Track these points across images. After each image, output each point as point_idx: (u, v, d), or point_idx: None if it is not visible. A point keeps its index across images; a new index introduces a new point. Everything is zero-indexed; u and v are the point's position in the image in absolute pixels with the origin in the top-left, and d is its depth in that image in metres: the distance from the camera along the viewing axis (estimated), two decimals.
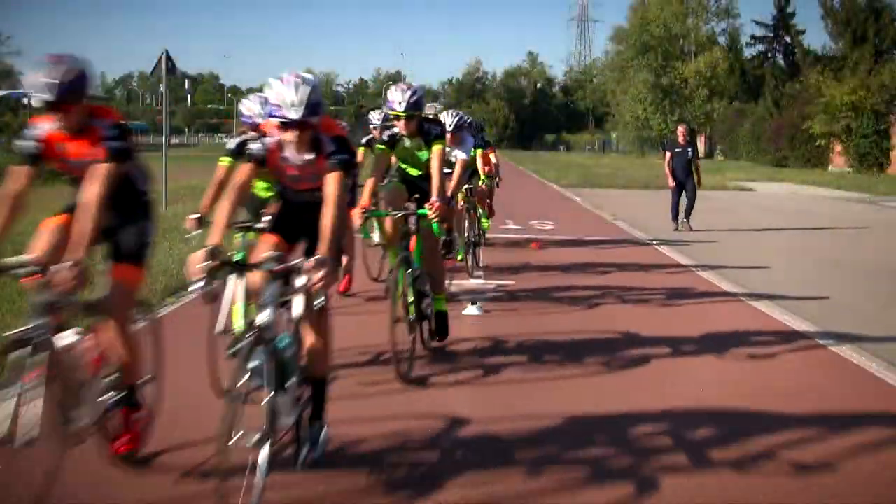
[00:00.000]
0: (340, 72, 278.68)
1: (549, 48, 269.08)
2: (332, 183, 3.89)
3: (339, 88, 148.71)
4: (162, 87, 18.39)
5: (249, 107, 5.68)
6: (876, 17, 42.12)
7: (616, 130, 78.44)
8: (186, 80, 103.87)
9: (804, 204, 22.73)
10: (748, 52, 71.52)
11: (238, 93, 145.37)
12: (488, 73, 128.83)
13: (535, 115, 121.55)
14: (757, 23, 68.64)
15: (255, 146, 4.08)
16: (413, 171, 6.29)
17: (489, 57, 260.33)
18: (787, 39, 65.97)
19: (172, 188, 22.14)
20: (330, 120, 4.22)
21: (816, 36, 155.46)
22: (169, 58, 16.81)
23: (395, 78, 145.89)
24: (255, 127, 5.43)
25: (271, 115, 3.86)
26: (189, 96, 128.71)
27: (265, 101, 4.54)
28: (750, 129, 53.55)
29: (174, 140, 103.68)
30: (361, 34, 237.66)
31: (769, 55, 69.76)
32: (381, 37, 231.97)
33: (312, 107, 3.77)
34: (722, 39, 68.87)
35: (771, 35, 69.43)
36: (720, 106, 63.43)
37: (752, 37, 70.96)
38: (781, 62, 66.39)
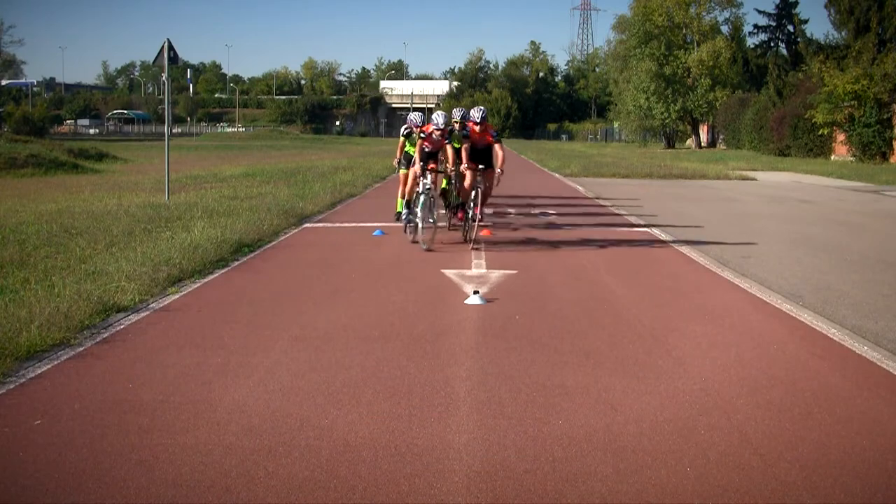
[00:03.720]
0: (343, 61, 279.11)
1: (552, 37, 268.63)
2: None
3: (342, 77, 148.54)
4: (164, 77, 18.34)
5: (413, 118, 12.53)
6: (879, 7, 41.84)
7: (618, 119, 78.27)
8: (188, 70, 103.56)
9: (808, 193, 22.71)
10: (751, 42, 71.58)
11: (240, 82, 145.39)
12: (490, 63, 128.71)
13: (538, 104, 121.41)
14: (760, 12, 68.54)
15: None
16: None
17: (491, 46, 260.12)
18: (790, 28, 65.79)
19: (175, 178, 22.16)
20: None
21: (819, 25, 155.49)
22: (171, 47, 16.78)
23: (398, 67, 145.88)
24: (417, 126, 12.38)
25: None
26: (191, 86, 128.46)
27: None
28: (752, 119, 53.40)
29: (176, 130, 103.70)
30: (364, 24, 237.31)
31: (772, 44, 69.63)
32: (383, 26, 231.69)
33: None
34: (725, 28, 68.74)
35: (774, 24, 69.32)
36: (723, 95, 63.29)
37: (755, 26, 70.99)
38: (784, 51, 66.25)
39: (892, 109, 39.51)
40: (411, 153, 12.32)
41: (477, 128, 11.32)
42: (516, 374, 5.49)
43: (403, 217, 12.16)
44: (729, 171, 31.06)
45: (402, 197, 12.45)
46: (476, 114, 11.33)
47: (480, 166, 11.38)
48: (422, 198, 11.16)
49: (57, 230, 11.54)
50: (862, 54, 41.17)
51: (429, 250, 10.74)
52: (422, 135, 11.63)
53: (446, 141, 11.53)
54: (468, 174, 11.21)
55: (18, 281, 7.89)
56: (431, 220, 11.28)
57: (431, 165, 11.47)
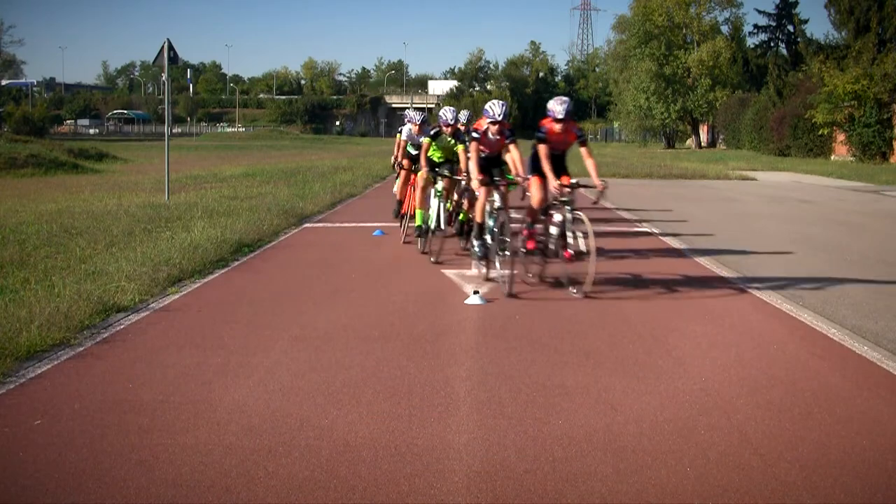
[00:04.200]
0: (343, 61, 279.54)
1: (552, 37, 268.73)
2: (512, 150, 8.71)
3: (342, 77, 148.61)
4: (164, 77, 18.35)
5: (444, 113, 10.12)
6: (879, 7, 41.86)
7: (618, 120, 78.29)
8: (188, 70, 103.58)
9: (808, 194, 22.70)
10: (751, 42, 71.65)
11: (240, 82, 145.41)
12: (490, 63, 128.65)
13: (538, 104, 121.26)
14: (760, 12, 68.60)
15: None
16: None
17: (491, 46, 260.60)
18: (790, 28, 65.81)
19: (175, 178, 22.16)
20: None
21: (819, 25, 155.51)
22: (171, 47, 16.79)
23: (398, 67, 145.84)
24: (448, 125, 10.12)
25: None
26: (191, 86, 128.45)
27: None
28: (752, 119, 53.42)
29: (176, 130, 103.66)
30: (364, 24, 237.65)
31: (772, 44, 69.64)
32: (383, 26, 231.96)
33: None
34: (725, 28, 68.80)
35: (774, 24, 69.33)
36: (723, 95, 63.33)
37: (755, 26, 71.01)
38: (784, 51, 66.27)
39: (892, 109, 39.52)
40: (435, 158, 10.51)
41: (557, 126, 8.28)
42: (516, 374, 5.49)
43: (475, 248, 8.94)
44: (729, 171, 31.06)
45: (420, 206, 10.55)
46: (558, 107, 8.22)
47: (573, 181, 8.35)
48: (491, 222, 8.60)
49: (57, 230, 11.54)
50: (862, 54, 41.18)
51: (510, 296, 7.94)
52: (475, 134, 8.84)
53: (507, 140, 8.78)
54: (535, 187, 8.68)
55: (18, 281, 7.89)
56: (505, 253, 8.30)
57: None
